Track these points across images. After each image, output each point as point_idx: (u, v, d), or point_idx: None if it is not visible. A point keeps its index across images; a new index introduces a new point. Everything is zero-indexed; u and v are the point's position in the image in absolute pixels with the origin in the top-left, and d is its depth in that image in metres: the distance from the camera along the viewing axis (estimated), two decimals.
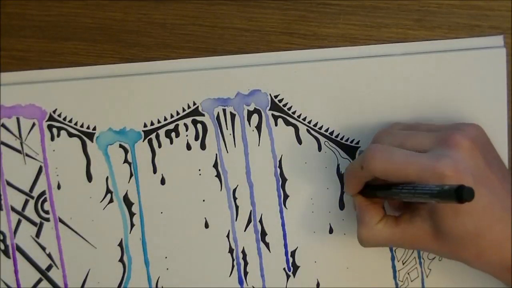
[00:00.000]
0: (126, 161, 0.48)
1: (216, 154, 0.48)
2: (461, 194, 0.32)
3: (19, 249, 0.48)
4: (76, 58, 0.48)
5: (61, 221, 0.48)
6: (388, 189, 0.41)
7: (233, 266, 0.48)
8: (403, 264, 0.48)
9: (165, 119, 0.47)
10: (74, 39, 0.48)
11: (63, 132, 0.47)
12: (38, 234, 0.48)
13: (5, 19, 0.48)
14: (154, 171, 0.48)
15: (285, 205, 0.48)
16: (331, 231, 0.48)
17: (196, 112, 0.47)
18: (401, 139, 0.42)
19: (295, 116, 0.47)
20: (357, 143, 0.47)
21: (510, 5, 0.46)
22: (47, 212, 0.48)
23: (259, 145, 0.47)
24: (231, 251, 0.48)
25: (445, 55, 0.46)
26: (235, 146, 0.48)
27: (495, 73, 0.47)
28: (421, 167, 0.39)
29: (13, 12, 0.48)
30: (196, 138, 0.48)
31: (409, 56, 0.47)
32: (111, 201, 0.48)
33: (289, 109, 0.47)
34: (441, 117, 0.46)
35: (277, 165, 0.48)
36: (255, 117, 0.47)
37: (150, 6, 0.47)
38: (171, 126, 0.47)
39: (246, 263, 0.48)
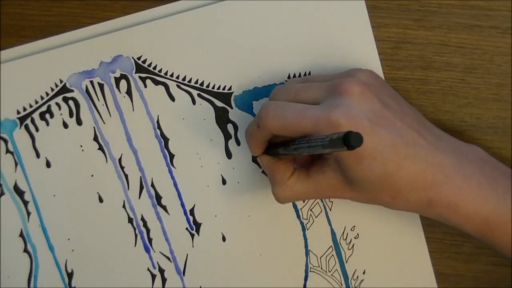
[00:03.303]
0: (8, 151, 0.48)
1: (94, 127, 0.47)
2: (349, 140, 0.31)
3: None
4: None
5: None
6: (288, 145, 0.40)
7: (136, 235, 0.48)
8: (304, 201, 0.48)
9: (36, 102, 0.47)
10: None
11: None
12: None
13: (5, 19, 0.48)
14: (38, 156, 0.48)
15: (173, 165, 0.47)
16: (224, 182, 0.48)
17: (64, 89, 0.47)
18: (295, 93, 0.41)
19: (162, 74, 0.47)
20: (230, 88, 0.47)
21: (510, 5, 0.45)
22: None
23: (133, 110, 0.47)
24: (130, 220, 0.48)
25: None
26: (110, 116, 0.47)
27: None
28: (315, 120, 0.38)
29: (13, 12, 0.48)
30: (71, 115, 0.47)
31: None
32: (2, 193, 0.48)
33: (154, 68, 0.47)
34: (305, 53, 0.46)
35: (156, 126, 0.47)
36: (123, 83, 0.47)
37: (150, 6, 0.47)
38: (44, 108, 0.47)
39: (148, 230, 0.48)
